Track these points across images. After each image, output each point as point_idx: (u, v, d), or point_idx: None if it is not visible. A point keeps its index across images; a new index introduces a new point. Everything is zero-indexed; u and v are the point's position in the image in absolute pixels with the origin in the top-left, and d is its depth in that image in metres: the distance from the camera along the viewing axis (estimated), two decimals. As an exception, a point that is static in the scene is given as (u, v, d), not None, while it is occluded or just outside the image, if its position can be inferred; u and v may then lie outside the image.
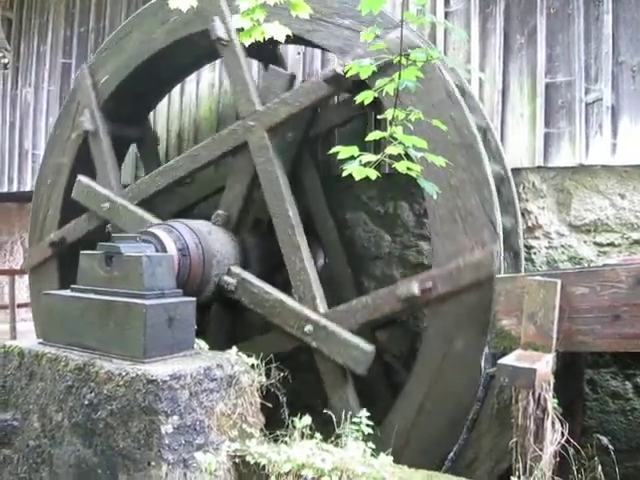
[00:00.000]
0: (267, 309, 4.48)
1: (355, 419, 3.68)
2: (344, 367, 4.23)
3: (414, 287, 4.03)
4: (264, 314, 4.50)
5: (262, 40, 2.95)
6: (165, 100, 6.35)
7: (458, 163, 3.96)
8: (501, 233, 3.96)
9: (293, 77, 4.94)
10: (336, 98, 5.46)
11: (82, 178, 5.38)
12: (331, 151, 2.93)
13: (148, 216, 5.00)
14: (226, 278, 4.57)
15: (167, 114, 6.57)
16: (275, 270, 4.89)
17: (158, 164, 6.03)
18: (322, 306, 4.37)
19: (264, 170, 4.60)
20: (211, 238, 4.59)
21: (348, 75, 3.08)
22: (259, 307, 4.51)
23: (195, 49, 5.26)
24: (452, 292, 3.97)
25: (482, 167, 3.98)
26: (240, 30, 2.98)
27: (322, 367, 4.33)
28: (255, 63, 5.87)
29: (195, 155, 4.94)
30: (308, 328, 4.27)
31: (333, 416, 3.75)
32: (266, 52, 5.40)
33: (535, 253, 4.87)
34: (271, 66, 4.98)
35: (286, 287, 4.59)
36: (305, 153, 5.43)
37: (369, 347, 4.17)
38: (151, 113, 6.27)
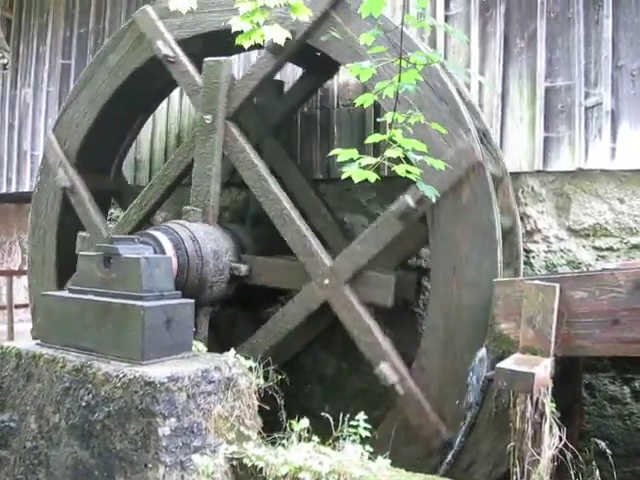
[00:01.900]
0: (283, 279, 4.60)
1: (353, 422, 3.67)
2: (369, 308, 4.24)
3: (408, 200, 4.03)
4: (281, 285, 4.62)
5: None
6: (165, 102, 6.34)
7: None
8: (474, 129, 4.00)
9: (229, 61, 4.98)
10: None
11: (82, 233, 5.43)
12: (331, 153, 2.93)
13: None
14: (236, 265, 4.64)
15: (166, 116, 6.56)
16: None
17: None
18: (327, 259, 4.39)
19: (237, 155, 4.70)
20: (207, 237, 4.58)
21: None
22: (276, 280, 4.63)
23: (151, 78, 5.35)
24: (446, 192, 3.94)
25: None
26: (239, 33, 2.98)
27: (346, 318, 4.30)
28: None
29: (165, 174, 5.05)
30: (326, 282, 4.28)
31: (330, 419, 3.75)
32: None
33: (534, 257, 4.86)
34: (206, 59, 4.98)
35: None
36: (283, 154, 5.50)
37: (388, 276, 4.20)
38: (150, 118, 6.26)
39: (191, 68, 4.96)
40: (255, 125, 5.36)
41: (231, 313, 5.08)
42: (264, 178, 4.59)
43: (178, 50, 4.98)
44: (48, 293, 4.20)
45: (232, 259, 4.70)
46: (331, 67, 5.28)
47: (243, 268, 4.65)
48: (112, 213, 6.82)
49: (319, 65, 5.27)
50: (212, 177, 4.76)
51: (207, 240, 4.55)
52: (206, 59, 4.89)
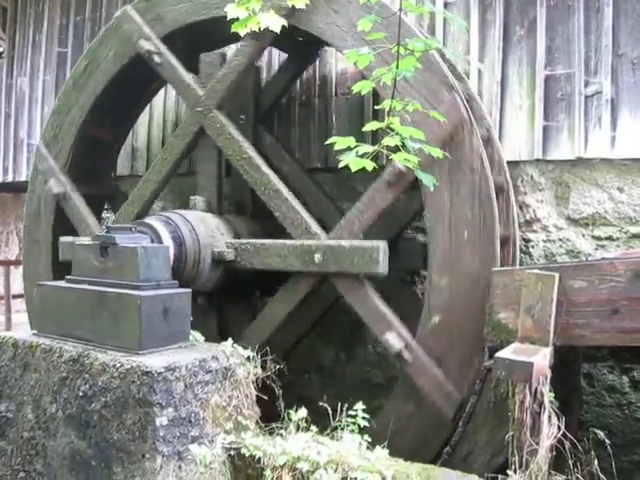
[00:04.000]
0: (272, 261, 4.38)
1: (351, 412, 3.66)
2: (362, 279, 4.12)
3: (397, 165, 3.83)
4: (271, 267, 4.41)
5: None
6: (162, 91, 6.30)
7: None
8: (457, 85, 3.95)
9: (223, 55, 4.98)
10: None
11: (63, 238, 5.35)
12: (328, 141, 2.90)
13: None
14: (220, 250, 4.50)
15: (163, 104, 6.52)
16: None
17: None
18: (322, 234, 4.28)
19: (226, 142, 4.65)
20: (205, 226, 4.56)
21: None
22: (264, 262, 4.43)
23: (138, 75, 5.29)
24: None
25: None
26: (235, 20, 2.95)
27: (341, 288, 4.22)
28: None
29: (161, 161, 5.01)
30: (317, 257, 4.17)
31: (329, 409, 3.74)
32: None
33: (533, 246, 4.85)
34: (202, 54, 5.01)
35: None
36: (273, 143, 5.48)
37: (379, 243, 4.03)
38: (147, 106, 6.22)
39: (178, 65, 4.93)
40: (238, 112, 5.31)
41: (225, 301, 5.02)
42: (250, 156, 4.55)
43: (162, 46, 4.94)
44: (44, 283, 4.18)
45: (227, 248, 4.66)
46: (314, 51, 5.36)
47: (228, 251, 4.51)
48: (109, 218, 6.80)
49: (302, 50, 5.30)
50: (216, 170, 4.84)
51: (204, 229, 4.53)
52: (202, 55, 4.94)
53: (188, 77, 4.88)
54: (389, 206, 4.14)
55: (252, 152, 4.59)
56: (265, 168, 4.53)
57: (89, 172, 5.72)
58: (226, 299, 5.01)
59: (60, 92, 5.66)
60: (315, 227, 4.31)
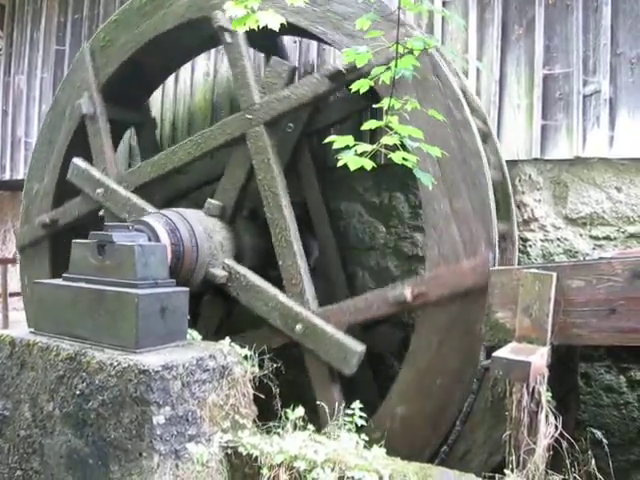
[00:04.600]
0: (258, 305, 4.42)
1: (348, 411, 3.66)
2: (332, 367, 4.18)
3: (407, 292, 3.98)
4: (255, 309, 4.44)
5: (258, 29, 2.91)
6: (159, 89, 6.29)
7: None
8: (496, 240, 3.92)
9: (295, 69, 4.84)
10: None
11: (77, 160, 5.30)
12: (326, 140, 2.89)
13: (142, 203, 4.95)
14: (214, 270, 4.50)
15: (161, 102, 6.52)
16: (269, 264, 4.83)
17: (156, 149, 6.00)
18: (313, 303, 4.33)
19: (261, 166, 4.54)
20: (205, 228, 4.56)
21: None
22: (250, 302, 4.46)
23: (199, 33, 5.17)
24: (445, 298, 3.92)
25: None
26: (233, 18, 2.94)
27: (310, 366, 4.30)
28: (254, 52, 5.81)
29: (193, 144, 4.87)
30: (298, 327, 4.21)
31: (326, 408, 3.74)
32: (266, 41, 5.34)
33: (530, 246, 4.85)
34: (274, 57, 4.86)
35: (279, 281, 4.52)
36: (303, 145, 5.40)
37: (359, 347, 4.09)
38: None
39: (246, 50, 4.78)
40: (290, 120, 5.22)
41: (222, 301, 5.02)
42: (278, 194, 4.47)
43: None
44: (41, 281, 4.16)
45: (226, 254, 4.65)
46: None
47: (220, 274, 4.51)
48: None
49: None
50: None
51: (201, 227, 4.52)
52: (274, 58, 4.83)
53: (251, 74, 4.71)
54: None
55: (281, 189, 4.50)
56: (287, 211, 4.46)
57: (128, 95, 5.62)
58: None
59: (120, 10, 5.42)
60: (310, 294, 4.34)
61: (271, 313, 4.33)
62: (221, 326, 4.92)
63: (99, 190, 5.14)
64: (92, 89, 5.35)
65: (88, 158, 5.34)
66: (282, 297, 4.36)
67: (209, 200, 4.80)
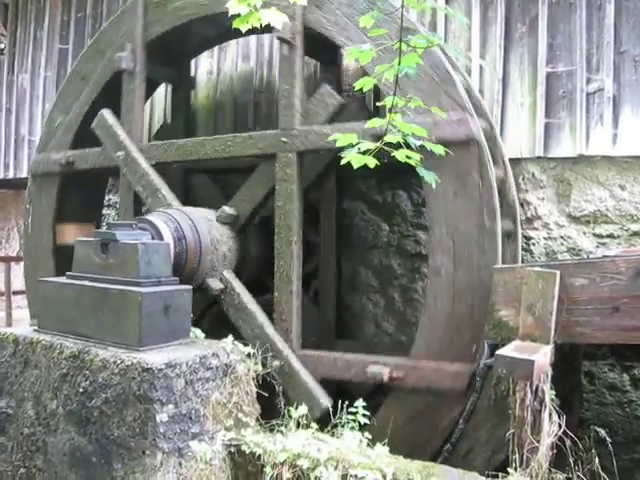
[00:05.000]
0: (244, 327, 4.44)
1: (352, 409, 3.66)
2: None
3: (385, 373, 3.98)
4: (239, 330, 4.43)
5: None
6: (162, 87, 6.29)
7: None
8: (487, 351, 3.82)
9: (343, 106, 4.55)
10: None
11: (106, 113, 5.24)
12: (329, 138, 2.89)
13: (159, 183, 4.93)
14: (211, 281, 4.53)
15: (164, 100, 6.51)
16: (269, 276, 4.75)
17: (188, 110, 6.05)
18: (296, 343, 4.36)
19: (283, 193, 4.46)
20: (209, 229, 4.56)
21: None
22: (238, 322, 4.48)
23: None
24: (420, 389, 3.93)
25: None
26: (237, 16, 2.93)
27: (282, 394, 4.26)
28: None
29: (222, 143, 4.79)
30: (276, 363, 4.21)
31: (329, 406, 3.73)
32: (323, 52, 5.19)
33: (534, 244, 4.84)
34: (325, 86, 4.57)
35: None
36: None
37: (326, 402, 4.07)
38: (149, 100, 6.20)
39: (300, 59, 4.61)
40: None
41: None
42: (292, 252, 4.44)
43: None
44: (45, 279, 4.17)
45: (229, 260, 4.68)
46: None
47: (216, 287, 4.53)
48: (110, 199, 6.80)
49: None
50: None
51: (204, 224, 4.53)
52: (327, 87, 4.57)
53: (299, 95, 4.51)
54: None
55: (297, 223, 4.43)
56: (295, 248, 4.41)
57: (167, 57, 5.53)
58: None
59: None
60: (295, 334, 4.37)
61: (254, 339, 4.30)
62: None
63: (120, 153, 5.10)
64: (137, 44, 5.19)
65: (119, 108, 5.28)
66: (269, 329, 4.37)
67: (224, 208, 4.77)
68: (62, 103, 5.69)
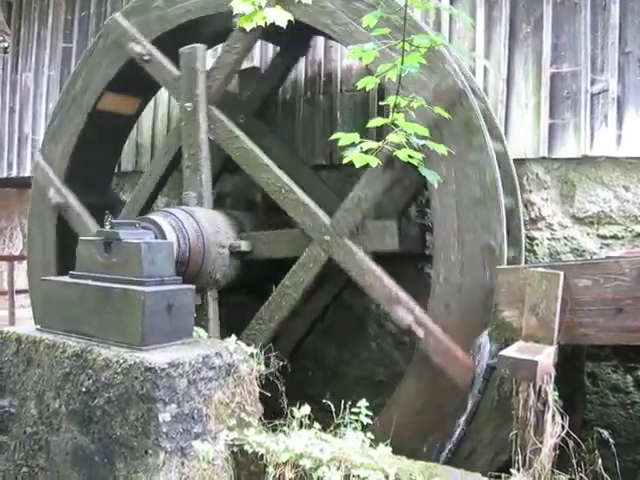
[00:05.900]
0: (286, 248, 4.52)
1: (354, 409, 3.66)
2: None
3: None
4: (286, 254, 4.51)
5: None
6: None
7: None
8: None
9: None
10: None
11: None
12: (332, 137, 2.89)
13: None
14: (237, 242, 4.60)
15: (168, 99, 6.50)
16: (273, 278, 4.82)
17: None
18: (325, 217, 4.32)
19: (223, 136, 4.64)
20: (209, 222, 4.56)
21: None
22: (277, 250, 4.57)
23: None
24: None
25: None
26: (241, 15, 2.93)
27: (353, 268, 4.20)
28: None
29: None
30: (327, 238, 4.22)
31: (332, 406, 3.73)
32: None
33: (537, 245, 4.83)
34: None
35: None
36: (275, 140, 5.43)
37: (390, 221, 4.24)
38: (151, 102, 6.19)
39: (167, 62, 4.91)
40: (235, 110, 5.25)
41: (238, 301, 5.01)
42: (252, 151, 4.56)
43: (151, 48, 4.93)
44: (48, 278, 4.18)
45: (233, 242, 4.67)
46: (305, 41, 5.37)
47: (243, 244, 4.58)
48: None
49: (292, 41, 5.27)
50: (202, 164, 4.74)
51: (208, 224, 4.53)
52: (181, 49, 4.82)
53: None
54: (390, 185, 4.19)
55: (255, 147, 4.58)
56: (271, 165, 4.49)
57: (90, 181, 5.68)
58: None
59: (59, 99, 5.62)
60: (320, 213, 4.36)
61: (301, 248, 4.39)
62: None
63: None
64: (55, 183, 5.45)
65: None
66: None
67: (187, 193, 4.76)
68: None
